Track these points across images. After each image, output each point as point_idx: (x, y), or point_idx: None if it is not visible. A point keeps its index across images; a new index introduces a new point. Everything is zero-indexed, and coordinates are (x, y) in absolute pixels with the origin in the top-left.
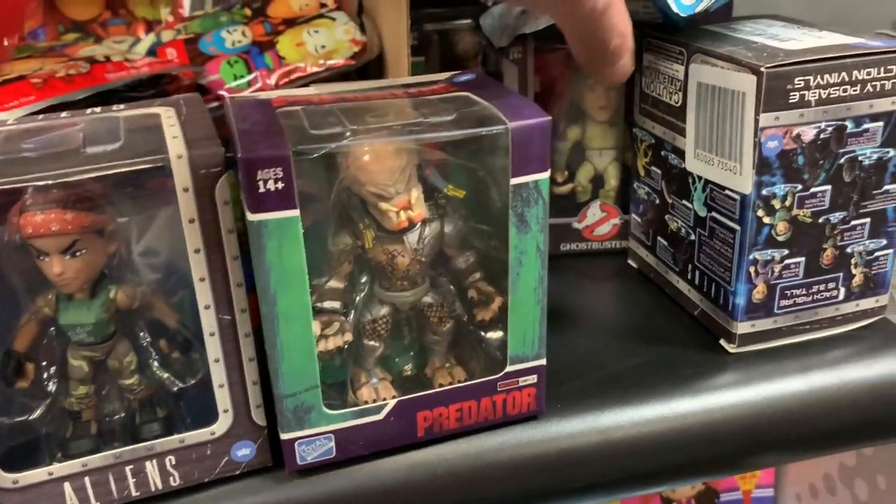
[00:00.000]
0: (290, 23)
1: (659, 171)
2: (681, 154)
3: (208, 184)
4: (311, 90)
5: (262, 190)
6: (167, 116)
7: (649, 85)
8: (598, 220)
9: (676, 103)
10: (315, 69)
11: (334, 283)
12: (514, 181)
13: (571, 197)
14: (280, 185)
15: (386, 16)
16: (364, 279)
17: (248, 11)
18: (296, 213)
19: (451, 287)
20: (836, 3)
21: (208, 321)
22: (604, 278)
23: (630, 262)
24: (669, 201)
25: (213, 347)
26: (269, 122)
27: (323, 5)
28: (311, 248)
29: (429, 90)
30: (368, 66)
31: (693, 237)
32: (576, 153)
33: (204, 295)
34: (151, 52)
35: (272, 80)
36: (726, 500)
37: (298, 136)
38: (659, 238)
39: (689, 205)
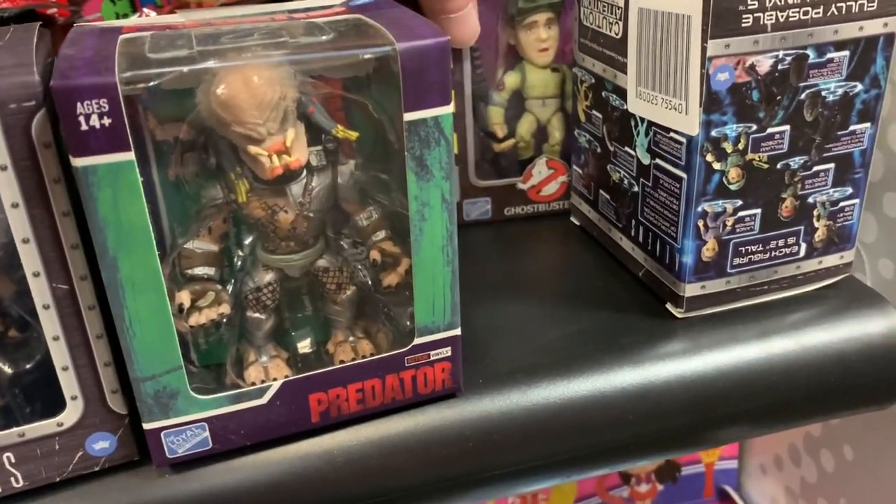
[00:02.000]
0: None
1: (600, 116)
2: (622, 94)
3: (21, 122)
4: (176, 17)
5: (84, 127)
6: None
7: (588, 16)
8: (545, 179)
9: (617, 34)
10: (210, 3)
11: (205, 245)
12: (408, 117)
13: (513, 154)
14: (107, 120)
15: None
16: (246, 240)
17: None
18: (130, 156)
19: (354, 248)
20: None
21: (39, 291)
22: (542, 239)
23: (573, 219)
24: (611, 149)
25: (50, 323)
26: (100, 48)
27: None
28: (179, 201)
29: (317, 14)
30: None
31: (636, 188)
32: (515, 104)
33: (30, 259)
34: None
35: None
36: (688, 473)
37: (131, 61)
38: (601, 191)
39: (631, 152)
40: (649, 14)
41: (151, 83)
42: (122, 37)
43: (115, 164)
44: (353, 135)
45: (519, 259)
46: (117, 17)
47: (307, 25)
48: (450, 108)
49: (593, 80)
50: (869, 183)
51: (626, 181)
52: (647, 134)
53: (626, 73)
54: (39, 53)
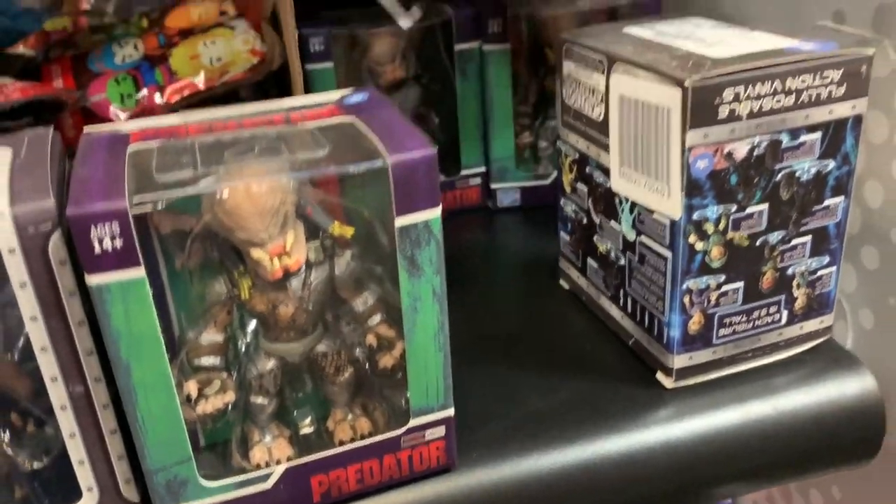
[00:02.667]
0: (187, 33)
1: (585, 189)
2: (606, 172)
3: (38, 243)
4: (178, 118)
5: (97, 250)
6: (1, 162)
7: (570, 96)
8: None
9: (599, 117)
10: (210, 84)
11: (211, 336)
12: (399, 222)
13: None
14: (119, 241)
15: (286, 22)
16: (249, 327)
17: (145, 22)
18: (141, 272)
19: (352, 331)
20: None
21: (57, 394)
22: (532, 296)
23: (562, 282)
24: (597, 221)
25: (67, 422)
26: (110, 167)
27: (223, 13)
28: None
29: (312, 114)
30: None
31: (623, 262)
32: None
33: (48, 366)
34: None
35: (162, 99)
36: None
37: (140, 182)
38: (589, 259)
39: (617, 226)
40: (630, 102)
41: (160, 206)
42: (129, 149)
43: (127, 280)
44: (349, 231)
45: (505, 316)
46: (121, 97)
47: (304, 135)
48: (438, 211)
49: (577, 156)
50: (848, 235)
51: (613, 253)
52: (631, 211)
53: (608, 152)
54: (54, 170)
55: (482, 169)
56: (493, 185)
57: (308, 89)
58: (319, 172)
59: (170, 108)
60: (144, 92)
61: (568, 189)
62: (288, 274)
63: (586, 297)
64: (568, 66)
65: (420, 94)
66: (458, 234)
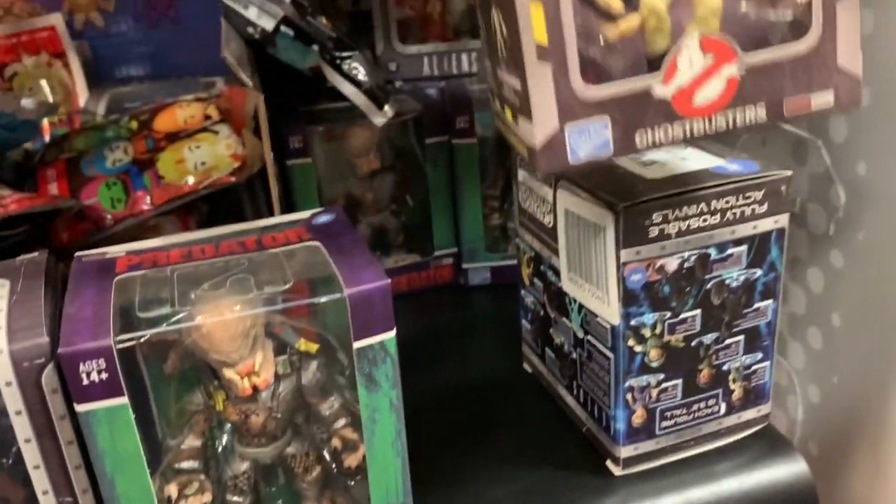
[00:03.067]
0: (174, 137)
1: (541, 285)
2: (557, 273)
3: (33, 375)
4: (160, 242)
5: (85, 382)
6: (0, 296)
7: (525, 200)
8: (702, 74)
9: (549, 224)
10: (193, 188)
11: (191, 442)
12: (357, 345)
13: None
14: (104, 374)
15: (263, 130)
16: (224, 433)
17: (134, 124)
18: (123, 400)
19: (319, 432)
20: None
21: None
22: (498, 378)
23: (525, 365)
24: (552, 315)
25: None
26: (98, 305)
27: (208, 117)
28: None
29: (282, 237)
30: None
31: (575, 356)
32: None
33: (41, 482)
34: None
35: (149, 204)
36: None
37: (124, 320)
38: (547, 349)
39: (568, 323)
40: (574, 216)
41: (143, 340)
42: (116, 279)
43: (112, 406)
44: (314, 347)
45: (469, 397)
46: (112, 203)
47: (273, 262)
48: (392, 333)
49: (533, 254)
50: (795, 318)
51: (566, 346)
52: (579, 312)
53: (559, 256)
54: (48, 302)
55: (454, 250)
56: (465, 265)
57: (288, 184)
58: (284, 306)
59: (157, 209)
60: (133, 197)
61: (527, 282)
62: (257, 391)
63: (546, 383)
64: (522, 175)
65: (395, 182)
66: (430, 311)
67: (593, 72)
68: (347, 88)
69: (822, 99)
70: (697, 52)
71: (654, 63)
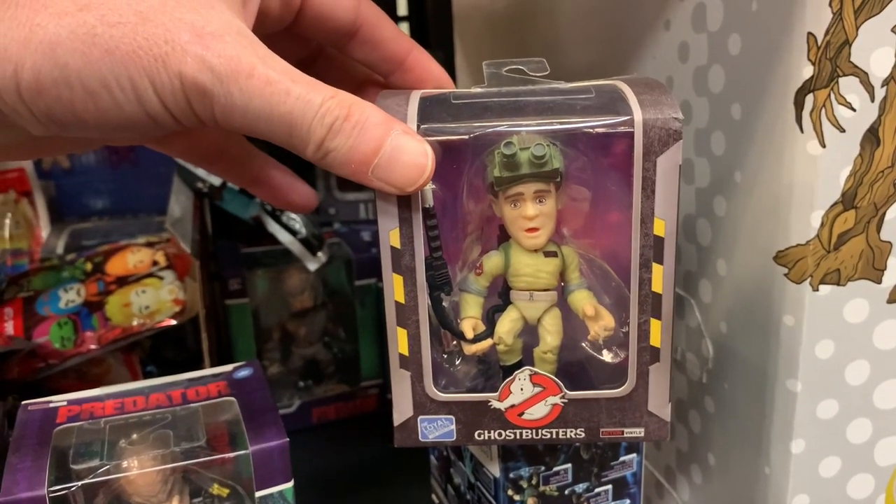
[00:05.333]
0: (123, 281)
1: None
2: None
3: None
4: (99, 392)
5: None
6: None
7: None
8: (530, 398)
9: None
10: (137, 329)
11: None
12: (259, 493)
13: (491, 360)
14: None
15: (201, 282)
16: None
17: (89, 266)
18: None
19: None
20: None
21: None
22: None
23: (433, 497)
24: (452, 458)
25: None
26: (38, 453)
27: (155, 263)
28: None
29: (204, 391)
30: None
31: (469, 497)
32: (498, 289)
33: None
34: None
35: (95, 343)
36: None
37: (59, 472)
38: (448, 486)
39: (463, 468)
40: None
41: (74, 489)
42: (55, 431)
43: None
44: (225, 492)
45: None
46: (62, 342)
47: (192, 417)
48: (290, 484)
49: None
50: (682, 453)
51: (462, 487)
52: (471, 460)
53: None
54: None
55: (380, 380)
56: (389, 395)
57: (228, 321)
58: (197, 460)
59: (103, 348)
60: (81, 336)
61: None
62: None
63: None
64: None
65: (327, 317)
66: (354, 439)
67: (445, 379)
68: (284, 237)
69: (634, 433)
70: (528, 383)
71: (506, 372)
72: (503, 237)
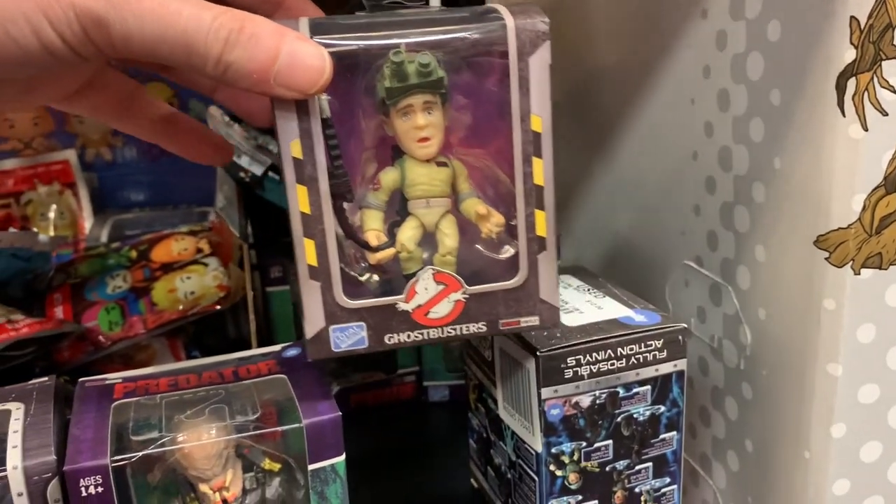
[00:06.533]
0: (168, 268)
1: (483, 410)
2: (496, 402)
3: (40, 487)
4: (151, 370)
5: (83, 494)
6: (15, 418)
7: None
8: (434, 297)
9: (489, 358)
10: (183, 314)
11: None
12: (311, 467)
13: (395, 266)
14: (100, 489)
15: (247, 268)
16: None
17: (134, 253)
18: None
19: None
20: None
21: None
22: (446, 492)
23: (472, 481)
24: (492, 439)
25: None
26: (98, 426)
27: (199, 250)
28: None
29: (255, 369)
30: None
31: (510, 476)
32: (396, 205)
33: None
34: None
35: (142, 327)
36: None
37: (119, 442)
38: (488, 468)
39: (504, 447)
40: (506, 354)
41: (134, 459)
42: (113, 405)
43: None
44: (277, 467)
45: None
46: (110, 326)
47: (245, 392)
48: (342, 458)
49: (477, 382)
50: (718, 440)
51: (503, 467)
52: (512, 438)
53: (496, 388)
54: (56, 423)
55: (416, 368)
56: (425, 383)
57: (268, 307)
58: (252, 433)
59: (149, 332)
60: (128, 320)
61: (473, 406)
62: (226, 503)
63: (488, 499)
64: None
65: None
66: (391, 425)
67: (352, 288)
68: None
69: (529, 321)
70: (431, 282)
71: (409, 278)
72: (397, 155)
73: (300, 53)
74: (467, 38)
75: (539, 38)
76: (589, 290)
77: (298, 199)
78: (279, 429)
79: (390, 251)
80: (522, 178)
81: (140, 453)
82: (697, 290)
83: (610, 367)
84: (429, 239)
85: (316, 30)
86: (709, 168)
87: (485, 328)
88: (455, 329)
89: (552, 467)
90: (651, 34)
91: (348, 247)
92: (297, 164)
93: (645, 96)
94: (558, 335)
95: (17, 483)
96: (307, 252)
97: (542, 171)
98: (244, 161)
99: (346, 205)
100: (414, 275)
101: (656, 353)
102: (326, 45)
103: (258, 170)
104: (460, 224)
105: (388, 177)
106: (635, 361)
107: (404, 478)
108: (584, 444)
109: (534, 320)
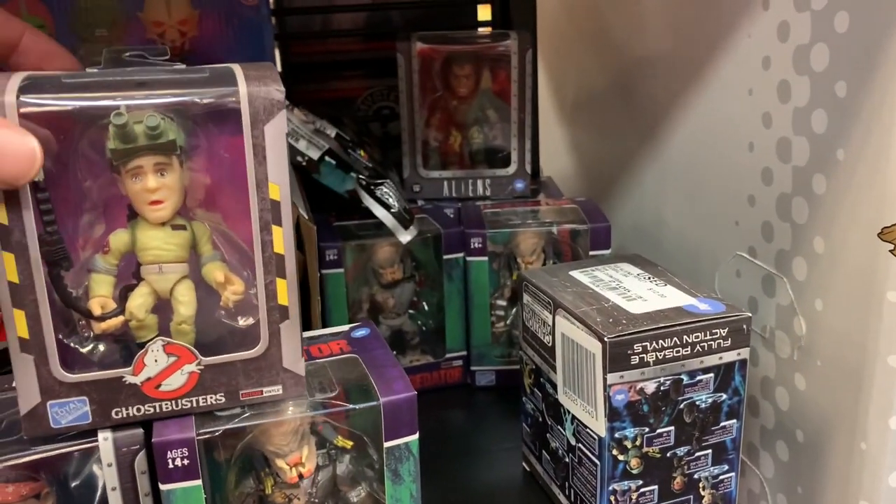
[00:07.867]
0: None
1: (540, 394)
2: (555, 386)
3: (129, 459)
4: None
5: (171, 466)
6: None
7: (528, 320)
8: (166, 369)
9: (548, 343)
10: None
11: None
12: (387, 444)
13: (128, 340)
14: (186, 461)
15: (310, 254)
16: None
17: None
18: (198, 482)
19: None
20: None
21: None
22: (498, 475)
23: (524, 464)
24: (549, 423)
25: None
26: None
27: None
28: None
29: (327, 348)
30: None
31: (567, 460)
32: (133, 268)
33: None
34: None
35: None
36: None
37: (204, 416)
38: (543, 451)
39: (562, 431)
40: (569, 340)
41: (217, 433)
42: None
43: (189, 487)
44: (349, 444)
45: (476, 497)
46: None
47: (322, 371)
48: (416, 436)
49: (534, 366)
50: (766, 430)
51: (560, 451)
52: (572, 423)
53: (556, 372)
54: None
55: (464, 352)
56: (473, 367)
57: (322, 289)
58: (329, 410)
59: None
60: None
61: (528, 390)
62: (302, 478)
63: (542, 482)
64: (526, 298)
65: (414, 290)
66: (440, 408)
67: (75, 360)
68: (379, 211)
69: (272, 391)
70: (162, 354)
71: (142, 347)
72: (132, 215)
73: (6, 145)
74: (198, 102)
75: (274, 107)
76: (650, 278)
77: (5, 268)
78: (357, 406)
79: (117, 320)
80: (261, 246)
81: (223, 427)
82: (749, 281)
83: (675, 355)
84: (164, 306)
85: (27, 89)
86: (766, 159)
87: (223, 399)
88: (190, 401)
89: (615, 452)
90: (707, 24)
91: (77, 316)
92: (2, 229)
93: (699, 86)
94: (624, 322)
95: (107, 453)
96: (17, 323)
97: (282, 239)
98: (302, 145)
99: (63, 272)
100: (143, 346)
101: (721, 341)
102: (36, 105)
103: (315, 154)
104: (205, 289)
105: (118, 239)
106: (700, 349)
107: (456, 461)
108: (647, 429)
109: (277, 390)
